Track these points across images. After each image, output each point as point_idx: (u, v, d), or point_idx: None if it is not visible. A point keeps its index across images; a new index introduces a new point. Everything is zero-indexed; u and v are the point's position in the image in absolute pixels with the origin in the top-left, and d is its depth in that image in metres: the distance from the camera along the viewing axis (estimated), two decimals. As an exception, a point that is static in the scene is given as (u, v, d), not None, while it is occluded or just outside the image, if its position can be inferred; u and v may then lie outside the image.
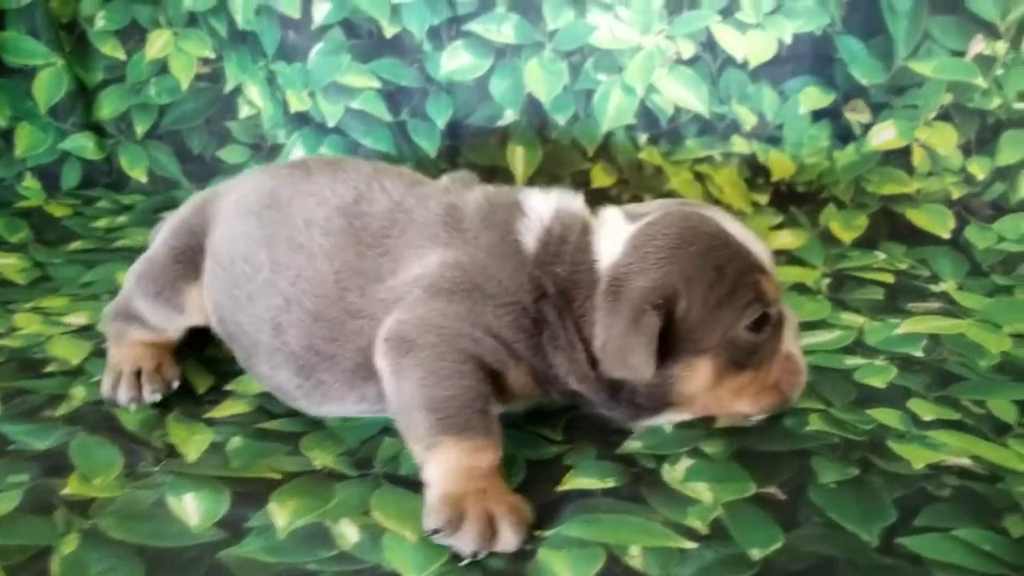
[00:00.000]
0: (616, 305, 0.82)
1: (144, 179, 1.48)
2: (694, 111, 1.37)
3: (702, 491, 0.80)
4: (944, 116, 1.32)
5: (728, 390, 0.86)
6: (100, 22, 1.47)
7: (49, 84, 1.47)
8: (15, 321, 1.12)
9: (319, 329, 0.88)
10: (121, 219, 1.45)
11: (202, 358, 1.03)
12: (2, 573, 0.71)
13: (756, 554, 0.73)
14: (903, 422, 0.91)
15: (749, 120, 1.37)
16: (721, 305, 0.82)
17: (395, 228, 0.89)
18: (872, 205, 1.34)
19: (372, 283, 0.87)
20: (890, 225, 1.33)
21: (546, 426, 0.91)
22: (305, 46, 1.41)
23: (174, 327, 1.00)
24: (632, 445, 0.87)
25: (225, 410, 0.94)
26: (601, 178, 1.39)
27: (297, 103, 1.43)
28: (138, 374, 0.96)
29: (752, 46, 1.34)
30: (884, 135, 1.34)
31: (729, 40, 1.34)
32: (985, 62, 1.30)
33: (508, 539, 0.74)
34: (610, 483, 0.82)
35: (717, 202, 1.35)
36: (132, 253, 1.07)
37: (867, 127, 1.34)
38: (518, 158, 1.40)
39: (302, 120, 1.43)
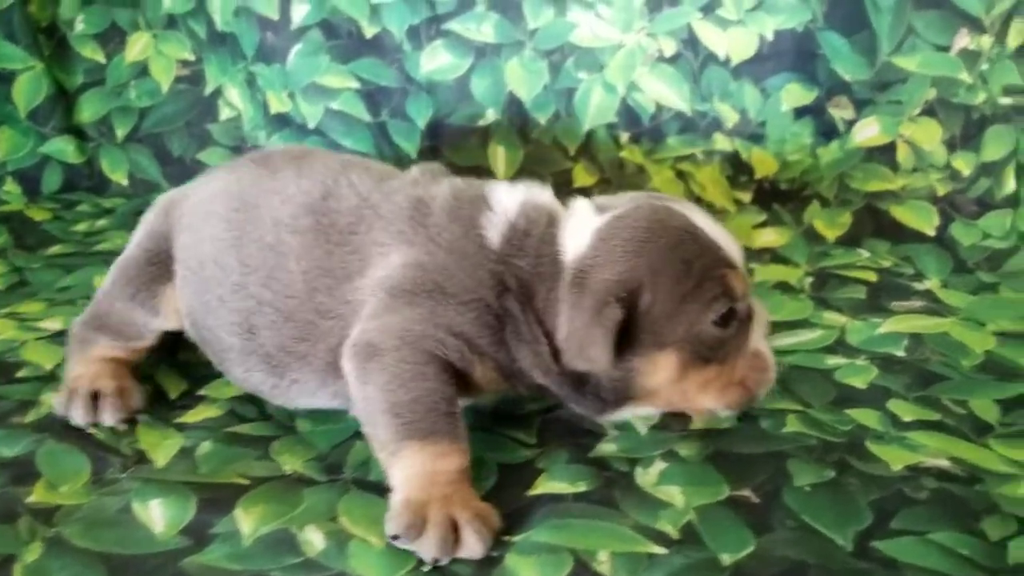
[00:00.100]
0: (580, 297, 0.81)
1: (125, 182, 1.47)
2: (676, 109, 1.36)
3: (675, 495, 0.79)
4: (929, 112, 1.30)
5: (693, 384, 0.85)
6: (79, 25, 1.46)
7: (29, 88, 1.46)
8: (-11, 327, 1.12)
9: (290, 329, 0.88)
10: (101, 223, 1.44)
11: (175, 362, 1.02)
12: (-38, 583, 0.71)
13: (727, 559, 0.72)
14: (882, 423, 0.90)
15: (731, 117, 1.35)
16: (686, 299, 0.81)
17: (362, 224, 0.88)
18: (856, 202, 1.33)
19: (340, 283, 0.87)
20: (874, 222, 1.32)
21: (519, 429, 0.90)
22: (284, 47, 1.40)
23: (149, 331, 0.98)
24: (606, 448, 0.86)
25: (197, 415, 0.93)
26: (583, 177, 1.38)
27: (277, 104, 1.42)
28: (95, 395, 0.92)
29: (734, 43, 1.33)
30: (868, 131, 1.32)
31: (711, 37, 1.33)
32: (970, 57, 1.28)
33: (471, 546, 0.73)
34: (582, 487, 0.81)
35: (699, 200, 1.34)
36: (111, 257, 1.05)
37: (851, 123, 1.33)
38: (499, 158, 1.39)
39: (282, 122, 1.42)
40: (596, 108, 1.36)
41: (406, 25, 1.38)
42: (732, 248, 0.85)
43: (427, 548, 0.72)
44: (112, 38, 1.47)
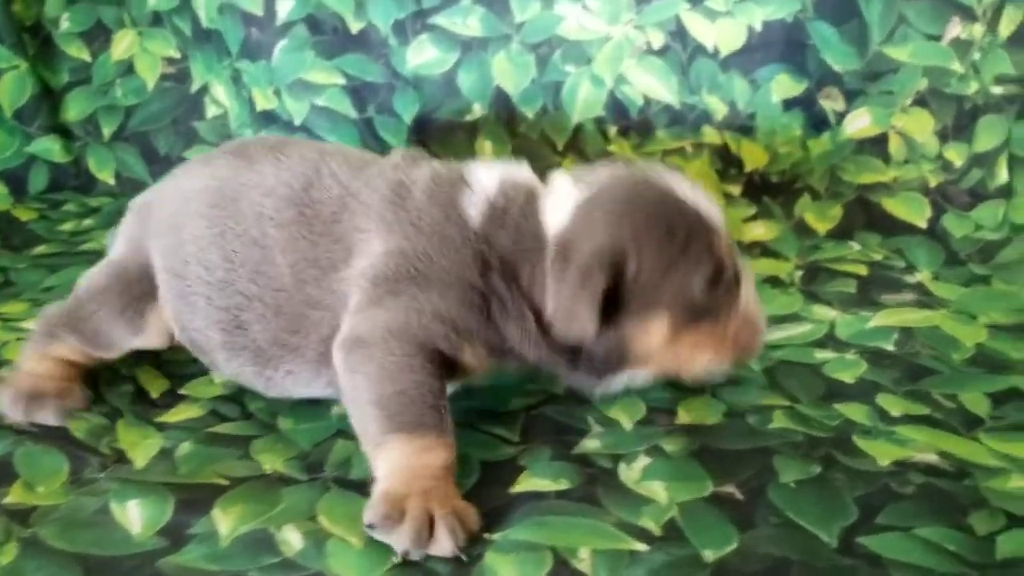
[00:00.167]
0: (565, 270, 0.81)
1: (112, 181, 1.47)
2: (664, 102, 1.34)
3: (658, 491, 0.79)
4: (920, 102, 1.29)
5: (686, 345, 0.85)
6: (65, 24, 1.45)
7: (14, 87, 1.45)
8: (-27, 327, 1.11)
9: (281, 323, 0.88)
10: (88, 222, 1.43)
11: (157, 361, 1.01)
12: (-64, 587, 0.70)
13: (709, 556, 0.71)
14: (870, 418, 0.89)
15: (720, 110, 1.34)
16: (674, 263, 0.82)
17: (344, 213, 0.88)
18: (847, 195, 1.32)
19: (327, 273, 0.86)
20: (866, 215, 1.30)
21: (502, 426, 0.89)
22: (269, 43, 1.39)
23: (125, 346, 0.97)
24: (590, 445, 0.86)
25: (178, 415, 0.92)
26: (571, 172, 1.36)
27: (263, 101, 1.41)
28: (37, 394, 0.92)
29: (722, 34, 1.31)
30: (859, 123, 1.31)
31: (699, 28, 1.32)
32: (962, 46, 1.27)
33: (443, 543, 0.72)
34: (564, 484, 0.80)
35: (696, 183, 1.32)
36: (96, 256, 1.05)
37: (842, 115, 1.31)
38: (487, 153, 1.37)
39: (268, 119, 1.41)
40: (584, 101, 1.35)
41: (392, 20, 1.37)
42: (714, 211, 0.86)
43: (400, 540, 0.72)
44: (97, 36, 1.46)
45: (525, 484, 0.80)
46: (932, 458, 0.82)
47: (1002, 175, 1.26)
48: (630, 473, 0.81)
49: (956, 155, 1.29)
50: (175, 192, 0.97)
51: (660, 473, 0.81)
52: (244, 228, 0.90)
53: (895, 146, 1.30)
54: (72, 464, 0.84)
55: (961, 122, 1.28)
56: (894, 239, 1.29)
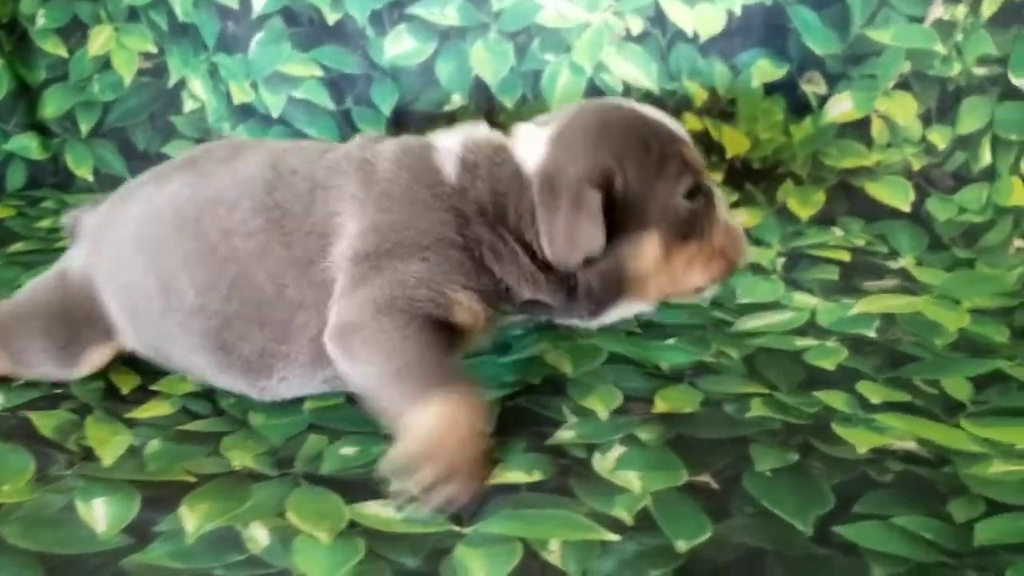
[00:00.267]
0: (554, 197, 0.83)
1: (90, 178, 1.45)
2: (644, 88, 1.33)
3: (632, 480, 0.78)
4: (903, 85, 1.27)
5: (679, 263, 0.87)
6: (41, 20, 1.44)
7: (-10, 85, 1.44)
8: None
9: (268, 334, 0.87)
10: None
11: (128, 357, 0.99)
12: None
13: (682, 546, 0.70)
14: (850, 405, 0.88)
15: (700, 96, 1.32)
16: (655, 177, 0.84)
17: (314, 204, 0.87)
18: (830, 179, 1.30)
19: (306, 269, 0.85)
20: (848, 200, 1.29)
21: (477, 418, 0.88)
22: (245, 36, 1.37)
23: (50, 377, 0.95)
24: (564, 435, 0.84)
25: (148, 411, 0.91)
26: (552, 161, 1.35)
27: (240, 95, 1.40)
28: None
29: (701, 19, 1.30)
30: (841, 107, 1.29)
31: (678, 14, 1.30)
32: (944, 27, 1.25)
33: (432, 503, 0.75)
34: (537, 476, 0.79)
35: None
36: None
37: (824, 99, 1.30)
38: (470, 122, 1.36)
39: (246, 112, 1.40)
40: (563, 90, 1.33)
41: (368, 10, 1.35)
42: (680, 128, 0.89)
43: (402, 489, 0.76)
44: (74, 32, 1.45)
45: (499, 477, 0.79)
46: (911, 445, 0.81)
47: (985, 157, 1.24)
48: (604, 463, 0.80)
49: (939, 138, 1.27)
50: (128, 221, 0.93)
51: (634, 462, 0.80)
52: (210, 247, 0.88)
53: (878, 130, 1.29)
54: (38, 462, 0.83)
55: (944, 104, 1.26)
56: (877, 224, 1.27)
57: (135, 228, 0.93)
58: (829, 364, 0.96)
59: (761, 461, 0.79)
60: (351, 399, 0.90)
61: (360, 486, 0.79)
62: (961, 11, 1.24)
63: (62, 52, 1.45)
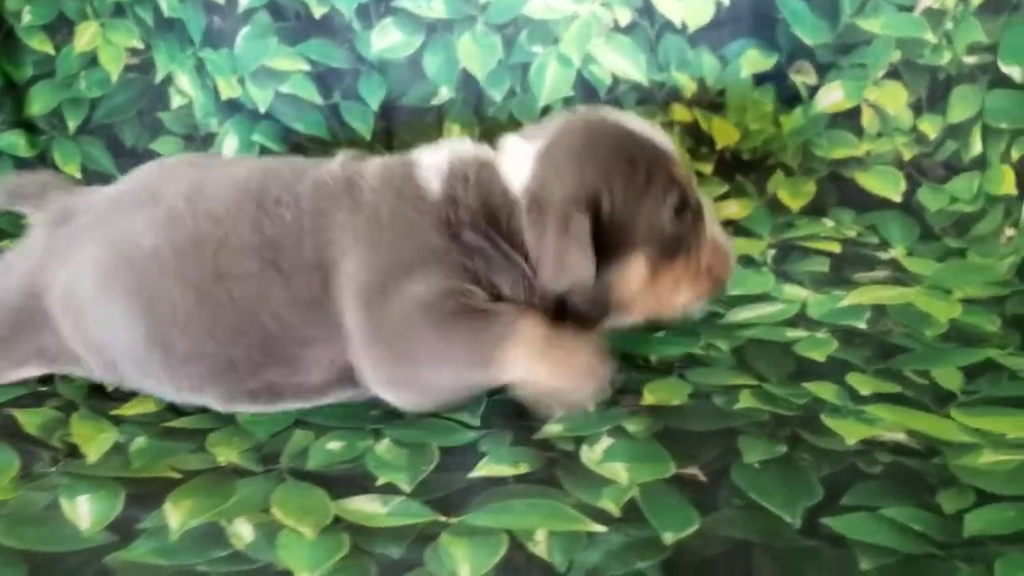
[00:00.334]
0: (541, 219, 0.83)
1: (79, 175, 1.43)
2: (633, 80, 1.32)
3: (619, 472, 0.77)
4: (893, 74, 1.26)
5: (666, 283, 0.87)
6: (26, 17, 1.41)
7: (-24, 84, 1.43)
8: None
9: (276, 370, 0.85)
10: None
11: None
12: None
13: (669, 538, 0.69)
14: (839, 396, 0.87)
15: (689, 87, 1.31)
16: (642, 196, 0.83)
17: (304, 236, 0.85)
18: (821, 170, 1.29)
19: (310, 307, 0.84)
20: (839, 190, 1.28)
21: (463, 411, 0.87)
22: (231, 31, 1.36)
23: None
24: (552, 429, 0.84)
25: (134, 408, 0.91)
26: (541, 154, 1.34)
27: (227, 90, 1.38)
28: None
29: (690, 9, 1.28)
30: (831, 97, 1.28)
31: (666, 4, 1.29)
32: (934, 16, 1.24)
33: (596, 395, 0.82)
34: (523, 468, 0.79)
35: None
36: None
37: (814, 89, 1.29)
38: (455, 137, 1.35)
39: (233, 107, 1.39)
40: (552, 82, 1.32)
41: (355, 4, 1.34)
42: (667, 142, 0.88)
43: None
44: (60, 28, 1.43)
45: (484, 469, 0.79)
46: (901, 437, 0.81)
47: (976, 146, 1.23)
48: (591, 455, 0.80)
49: (930, 127, 1.26)
50: (91, 262, 0.88)
51: (622, 454, 0.79)
52: (201, 294, 0.85)
53: (868, 119, 1.28)
54: (22, 459, 0.83)
55: (935, 93, 1.25)
56: (868, 215, 1.26)
57: (103, 272, 0.88)
58: (819, 355, 0.95)
59: (749, 453, 0.79)
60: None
61: (346, 481, 0.79)
62: (951, -1, 1.24)
63: (48, 49, 1.43)
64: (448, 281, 0.83)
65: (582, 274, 0.82)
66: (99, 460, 0.83)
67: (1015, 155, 1.20)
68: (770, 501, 0.73)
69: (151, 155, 1.43)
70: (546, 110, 1.34)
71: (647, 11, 1.30)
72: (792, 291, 1.09)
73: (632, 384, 0.90)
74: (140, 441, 0.85)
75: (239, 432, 0.87)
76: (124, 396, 0.93)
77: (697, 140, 1.33)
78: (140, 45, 1.41)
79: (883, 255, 1.19)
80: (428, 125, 1.36)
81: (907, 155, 1.28)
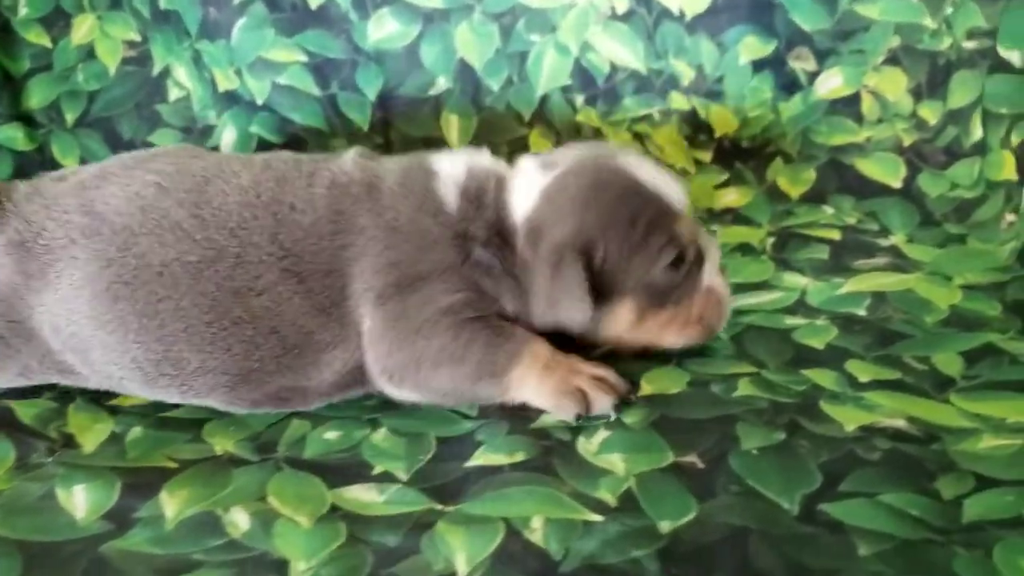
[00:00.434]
0: (536, 255, 0.84)
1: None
2: (631, 68, 1.31)
3: (616, 462, 0.77)
4: (893, 60, 1.25)
5: (653, 327, 0.88)
6: (23, 10, 1.40)
7: (-27, 77, 1.42)
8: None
9: (290, 377, 0.85)
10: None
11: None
12: None
13: (666, 526, 0.69)
14: (838, 383, 0.87)
15: (687, 75, 1.31)
16: (636, 251, 0.84)
17: (323, 240, 0.85)
18: (820, 157, 1.29)
19: (330, 312, 0.85)
20: (839, 177, 1.28)
21: (461, 401, 0.88)
22: (228, 22, 1.35)
23: None
24: (548, 419, 0.84)
25: (130, 399, 0.90)
26: (539, 143, 1.34)
27: (225, 82, 1.38)
28: None
29: (687, -4, 1.28)
30: (831, 83, 1.28)
31: (663, -9, 1.29)
32: (933, 1, 1.23)
33: (602, 403, 0.82)
34: (520, 457, 0.79)
35: (657, 162, 1.29)
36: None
37: (813, 75, 1.28)
38: (452, 127, 1.35)
39: (231, 99, 1.38)
40: (549, 71, 1.32)
41: (351, -7, 1.34)
42: (676, 195, 0.87)
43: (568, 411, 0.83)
44: (57, 21, 1.42)
45: (481, 458, 0.79)
46: (900, 423, 0.80)
47: (976, 132, 1.22)
48: (588, 446, 0.79)
49: (930, 113, 1.25)
50: (86, 280, 0.85)
51: (619, 445, 0.79)
52: (219, 312, 0.84)
53: (868, 106, 1.27)
54: (18, 450, 0.83)
55: (935, 79, 1.25)
56: (868, 201, 1.26)
57: (104, 291, 0.84)
58: (818, 343, 0.95)
59: (748, 440, 0.79)
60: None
61: (343, 470, 0.79)
62: (951, -16, 1.23)
63: (45, 42, 1.43)
64: (464, 293, 0.84)
65: (573, 321, 0.85)
66: (95, 450, 0.83)
67: (1015, 140, 1.20)
68: (768, 488, 0.73)
69: (149, 147, 1.39)
70: (544, 99, 1.33)
71: (644, -2, 1.30)
72: (791, 279, 1.09)
73: (630, 375, 0.89)
74: (136, 431, 0.85)
75: (236, 422, 0.87)
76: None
77: (696, 128, 1.32)
78: (137, 37, 1.40)
79: (883, 242, 1.18)
80: (426, 115, 1.35)
81: (907, 141, 1.27)
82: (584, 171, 0.87)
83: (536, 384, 0.83)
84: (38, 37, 1.43)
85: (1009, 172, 1.19)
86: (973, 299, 1.02)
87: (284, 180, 0.88)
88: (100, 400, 0.90)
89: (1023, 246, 1.10)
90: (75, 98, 1.43)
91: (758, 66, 1.29)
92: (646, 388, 0.87)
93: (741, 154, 1.32)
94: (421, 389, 0.85)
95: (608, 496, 0.73)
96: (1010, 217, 1.17)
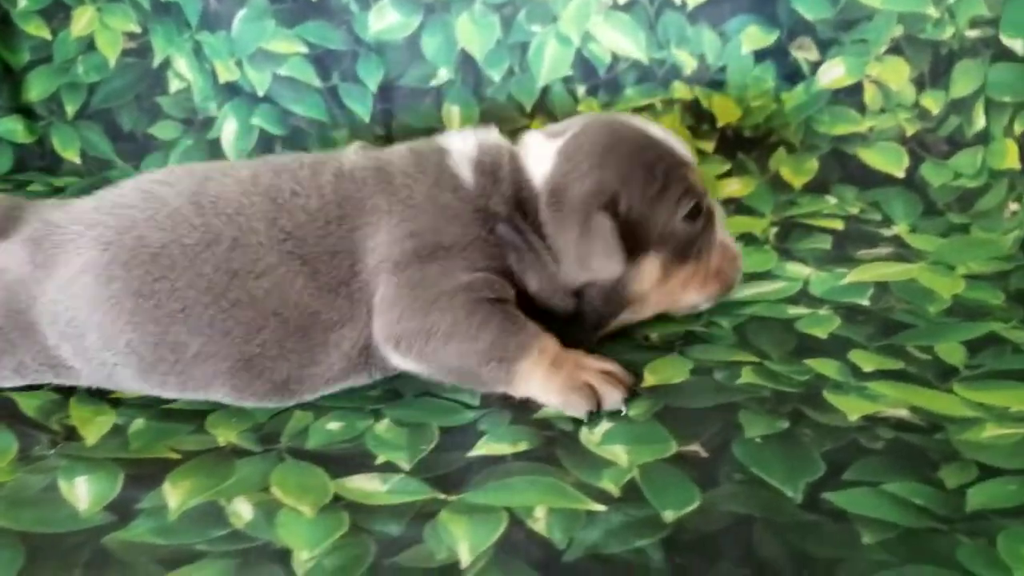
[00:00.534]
0: (561, 214, 0.85)
1: (77, 160, 1.43)
2: (632, 58, 1.31)
3: (619, 453, 0.77)
4: (895, 50, 1.25)
5: (676, 283, 0.91)
6: (23, 2, 1.40)
7: (-27, 69, 1.42)
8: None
9: (296, 361, 0.85)
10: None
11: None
12: None
13: (669, 516, 0.69)
14: (841, 373, 0.87)
15: (689, 64, 1.30)
16: (657, 201, 0.86)
17: (331, 225, 0.85)
18: (823, 147, 1.28)
19: (337, 290, 0.84)
20: (842, 167, 1.27)
21: (464, 392, 0.87)
22: (228, 13, 1.35)
23: None
24: (550, 409, 0.83)
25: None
26: (541, 134, 1.33)
27: (225, 73, 1.38)
28: None
29: (689, -15, 1.28)
30: (833, 73, 1.27)
31: (665, -19, 1.28)
32: (937, -10, 1.23)
33: (613, 397, 0.82)
34: (522, 447, 0.78)
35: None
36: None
37: (815, 65, 1.27)
38: (454, 118, 1.34)
39: (232, 91, 1.38)
40: (551, 61, 1.31)
41: (352, -16, 1.33)
42: (684, 149, 0.90)
43: (578, 407, 0.82)
44: (56, 13, 1.42)
45: (483, 448, 0.79)
46: (903, 413, 0.80)
47: (979, 121, 1.22)
48: (591, 437, 0.79)
49: (933, 102, 1.25)
50: (88, 266, 0.85)
51: (621, 436, 0.79)
52: (216, 293, 0.83)
53: (870, 95, 1.27)
54: (21, 442, 0.83)
55: (937, 68, 1.24)
56: (871, 191, 1.26)
57: (103, 273, 0.85)
58: (821, 332, 0.95)
59: (751, 428, 0.78)
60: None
61: (345, 460, 0.79)
62: (953, -27, 1.22)
63: (45, 34, 1.43)
64: (484, 273, 0.84)
65: (607, 273, 0.85)
66: (98, 442, 0.83)
67: (1018, 129, 1.20)
68: (772, 476, 0.73)
69: (150, 139, 1.44)
70: (546, 90, 1.33)
71: (646, -12, 1.30)
72: (794, 269, 1.09)
73: (633, 365, 0.89)
74: (139, 423, 0.85)
75: (238, 413, 0.86)
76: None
77: (698, 118, 1.32)
78: (137, 29, 1.40)
79: (886, 232, 1.18)
80: (427, 106, 1.35)
81: (910, 131, 1.27)
82: (596, 130, 0.88)
83: (543, 381, 0.82)
84: (38, 29, 1.43)
85: (1012, 161, 1.19)
86: (976, 288, 1.02)
87: (283, 170, 0.88)
88: (102, 393, 0.89)
89: (1026, 235, 1.10)
90: (75, 90, 1.43)
91: (760, 56, 1.28)
92: (649, 379, 0.87)
93: (743, 144, 1.31)
94: (427, 361, 0.84)
95: (611, 486, 0.73)
96: (1013, 206, 1.17)
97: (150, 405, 0.88)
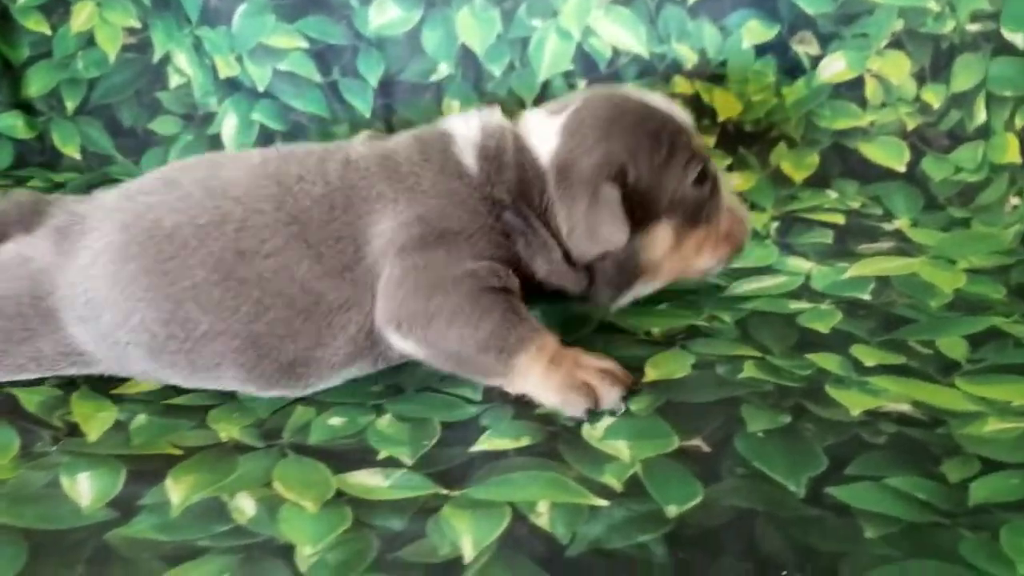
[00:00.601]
0: (570, 189, 0.85)
1: (77, 156, 1.43)
2: (633, 53, 1.31)
3: (621, 449, 0.77)
4: (896, 44, 1.25)
5: (689, 248, 0.92)
6: (22, -3, 1.42)
7: (-28, 65, 1.42)
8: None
9: (302, 343, 0.85)
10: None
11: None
12: None
13: (672, 511, 0.69)
14: (843, 368, 0.87)
15: (690, 58, 1.30)
16: (665, 168, 0.87)
17: (336, 210, 0.85)
18: (824, 141, 1.28)
19: (342, 275, 0.84)
20: (843, 161, 1.27)
21: (465, 386, 0.87)
22: (228, 8, 1.35)
23: None
24: (551, 405, 0.84)
25: (135, 387, 0.90)
26: (541, 129, 1.33)
27: (226, 69, 1.38)
28: None
29: (690, -21, 1.28)
30: (834, 67, 1.27)
31: (666, -25, 1.28)
32: (938, -17, 1.23)
33: (611, 396, 0.82)
34: (525, 442, 0.78)
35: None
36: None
37: (816, 59, 1.27)
38: (454, 113, 1.33)
39: (232, 86, 1.38)
40: (552, 56, 1.31)
41: (352, -21, 1.33)
42: (685, 116, 0.92)
43: (576, 407, 0.82)
44: (56, 8, 1.42)
45: (486, 443, 0.79)
46: (905, 407, 0.80)
47: (980, 115, 1.22)
48: (593, 432, 0.79)
49: (934, 97, 1.25)
50: (106, 249, 0.87)
51: (624, 432, 0.79)
52: (225, 272, 0.84)
53: (871, 90, 1.27)
54: (23, 438, 0.83)
55: (938, 63, 1.24)
56: (872, 185, 1.26)
57: (120, 251, 0.87)
58: (823, 327, 0.95)
59: (753, 422, 0.79)
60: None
61: (348, 456, 0.78)
62: (953, -34, 1.22)
63: (45, 29, 1.43)
64: (490, 262, 0.84)
65: (614, 241, 0.85)
66: (100, 438, 0.83)
67: (1019, 123, 1.20)
68: (774, 470, 0.73)
69: (150, 135, 1.44)
70: (547, 84, 1.33)
71: (647, -18, 1.30)
72: (796, 263, 1.09)
73: (634, 360, 0.89)
74: (141, 419, 0.85)
75: (240, 408, 0.86)
76: (125, 376, 0.93)
77: (699, 112, 1.31)
78: (137, 24, 1.40)
79: (887, 226, 1.18)
80: (428, 101, 1.35)
81: (911, 125, 1.27)
82: (597, 103, 0.89)
83: (541, 378, 0.82)
84: (37, 24, 1.43)
85: (1013, 155, 1.19)
86: (977, 283, 1.02)
87: (292, 157, 0.90)
88: (104, 388, 0.90)
89: (1027, 229, 1.10)
90: (75, 86, 1.43)
91: (761, 50, 1.28)
92: (651, 374, 0.87)
93: (744, 138, 1.31)
94: (427, 344, 0.83)
95: (614, 482, 0.73)
96: (1014, 200, 1.17)
97: (152, 401, 0.88)
